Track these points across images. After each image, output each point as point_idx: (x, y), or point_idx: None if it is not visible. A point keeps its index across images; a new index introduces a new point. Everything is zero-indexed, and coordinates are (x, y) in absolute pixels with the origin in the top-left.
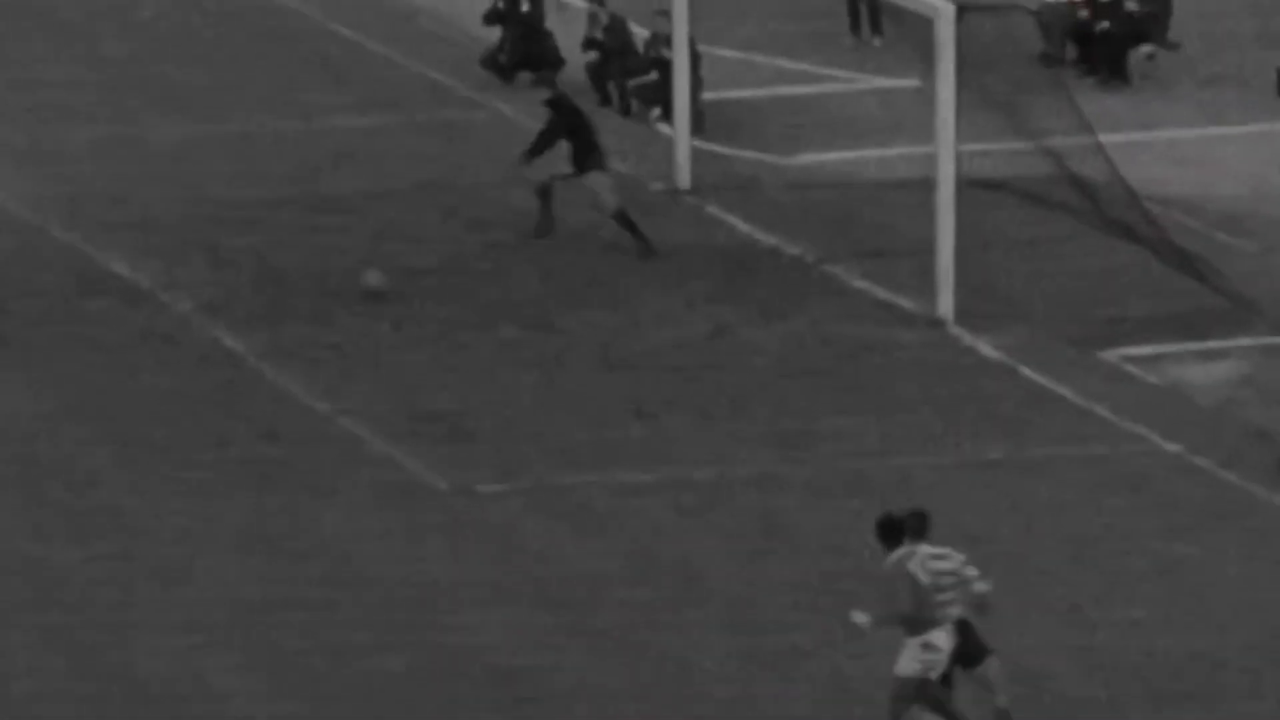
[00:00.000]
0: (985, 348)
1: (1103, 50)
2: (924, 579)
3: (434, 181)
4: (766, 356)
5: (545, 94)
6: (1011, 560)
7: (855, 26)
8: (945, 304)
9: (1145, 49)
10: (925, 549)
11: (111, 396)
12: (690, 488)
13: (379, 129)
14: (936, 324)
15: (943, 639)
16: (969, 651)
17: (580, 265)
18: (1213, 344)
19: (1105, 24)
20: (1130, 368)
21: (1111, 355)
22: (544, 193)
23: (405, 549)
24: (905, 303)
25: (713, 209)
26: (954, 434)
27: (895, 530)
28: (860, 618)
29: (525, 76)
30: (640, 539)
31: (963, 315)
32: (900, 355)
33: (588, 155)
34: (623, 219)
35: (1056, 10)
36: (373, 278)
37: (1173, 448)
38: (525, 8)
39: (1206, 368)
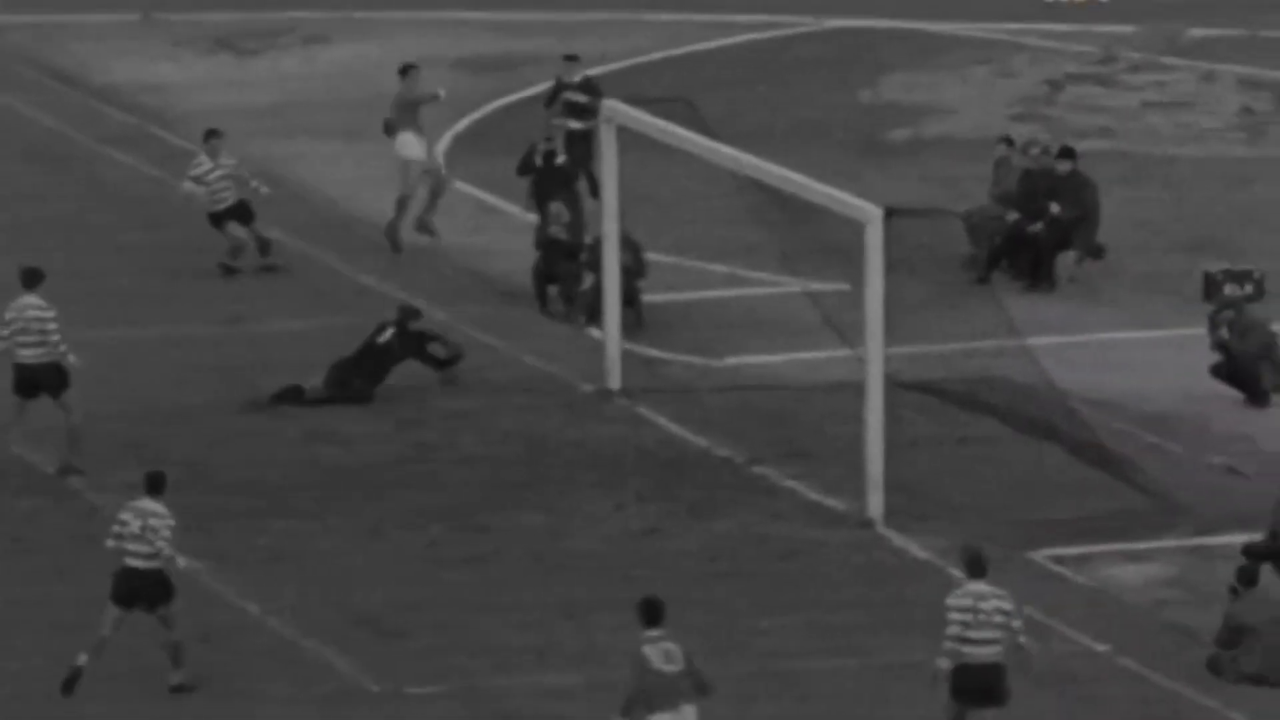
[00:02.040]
0: (914, 548)
1: (1031, 255)
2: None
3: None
4: (697, 558)
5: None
6: None
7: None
8: (874, 505)
9: (1073, 254)
10: (982, 587)
11: (40, 598)
12: (621, 690)
13: (309, 333)
14: (866, 525)
15: None
16: (987, 692)
17: (511, 466)
18: (1141, 545)
19: (1036, 227)
20: (1059, 568)
21: (1040, 556)
22: None
23: None
24: (835, 504)
25: (643, 410)
26: (883, 635)
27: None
28: None
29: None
30: None
31: (892, 516)
32: (830, 556)
33: None
34: None
35: (984, 214)
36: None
37: (1101, 648)
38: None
39: (1135, 568)
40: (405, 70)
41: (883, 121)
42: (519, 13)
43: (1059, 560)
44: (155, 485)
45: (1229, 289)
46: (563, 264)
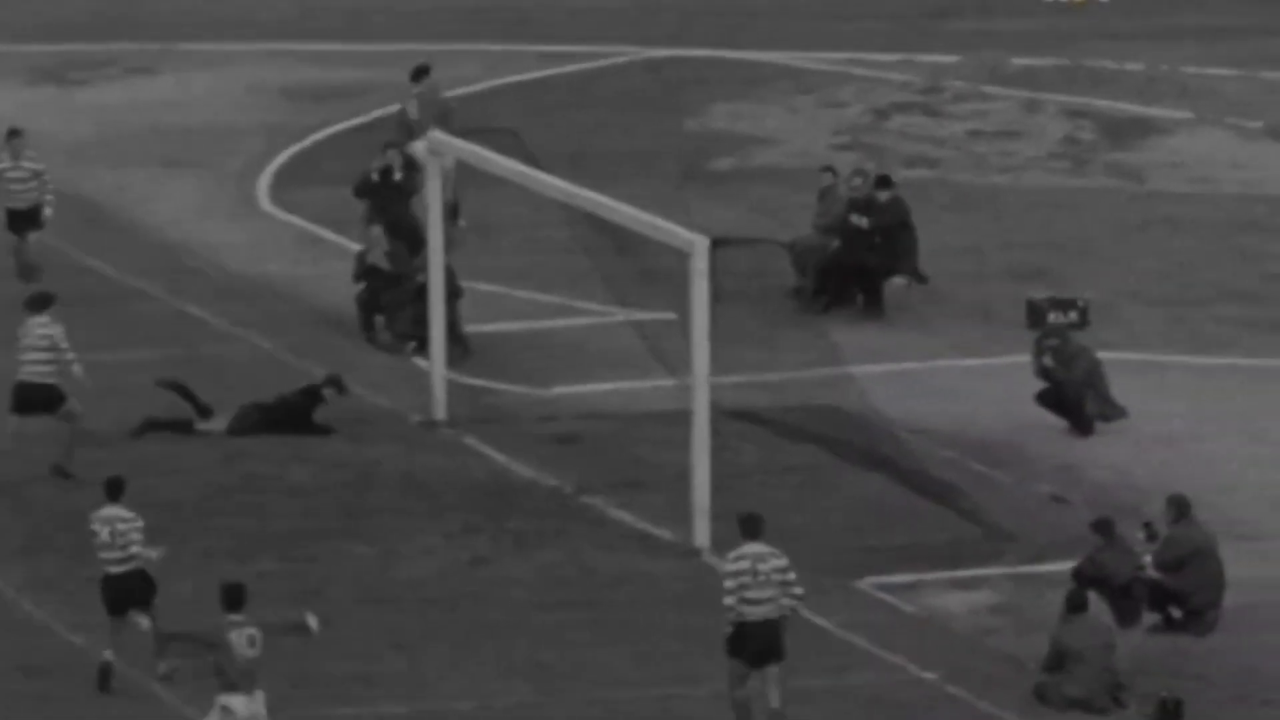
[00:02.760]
0: None
1: (856, 283)
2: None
3: (191, 415)
4: (524, 588)
5: None
6: None
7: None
8: (701, 534)
9: (898, 280)
10: (759, 548)
11: None
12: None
13: (134, 364)
14: (693, 554)
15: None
16: (767, 649)
17: (338, 497)
18: (968, 573)
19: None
20: (886, 596)
21: (868, 584)
22: None
23: None
24: (662, 533)
25: (470, 441)
26: (711, 663)
27: None
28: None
29: None
30: None
31: (719, 545)
32: (657, 585)
33: None
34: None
35: (809, 243)
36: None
37: (929, 676)
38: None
39: (962, 596)
40: (422, 72)
41: (709, 150)
42: (346, 43)
43: (886, 588)
44: (115, 490)
45: (1053, 316)
46: (387, 292)
